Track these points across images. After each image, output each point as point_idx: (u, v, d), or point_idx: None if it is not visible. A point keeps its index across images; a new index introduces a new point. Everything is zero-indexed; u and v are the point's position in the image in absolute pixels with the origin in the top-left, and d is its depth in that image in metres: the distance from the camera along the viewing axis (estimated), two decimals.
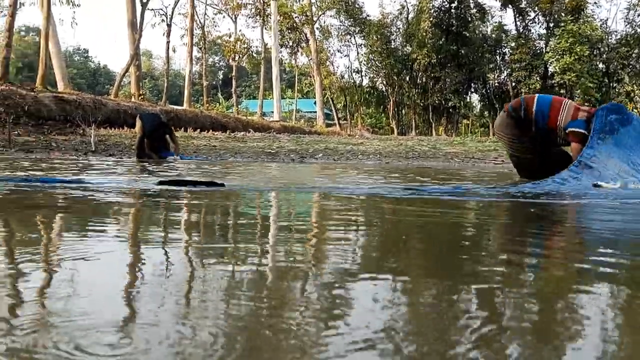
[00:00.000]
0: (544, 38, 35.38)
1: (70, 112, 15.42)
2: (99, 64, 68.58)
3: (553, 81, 32.91)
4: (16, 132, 12.36)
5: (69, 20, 42.55)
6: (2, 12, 48.90)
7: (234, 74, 38.26)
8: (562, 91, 32.28)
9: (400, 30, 39.04)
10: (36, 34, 46.99)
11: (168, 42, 31.11)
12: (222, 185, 3.88)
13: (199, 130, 17.31)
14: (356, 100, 42.28)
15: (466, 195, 3.67)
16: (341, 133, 28.15)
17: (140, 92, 25.15)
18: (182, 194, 3.47)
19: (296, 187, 4.38)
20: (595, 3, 34.29)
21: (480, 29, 36.86)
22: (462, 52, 35.53)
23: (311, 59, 37.79)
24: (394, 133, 36.44)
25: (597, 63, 33.09)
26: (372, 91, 41.87)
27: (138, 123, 9.42)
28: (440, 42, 35.58)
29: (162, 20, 31.70)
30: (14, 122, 12.54)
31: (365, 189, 4.09)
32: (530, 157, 5.46)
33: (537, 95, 5.60)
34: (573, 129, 5.00)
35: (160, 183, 3.94)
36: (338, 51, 42.46)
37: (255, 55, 42.42)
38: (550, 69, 33.90)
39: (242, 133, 18.26)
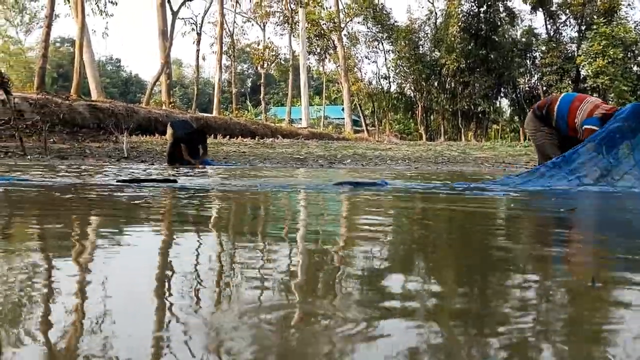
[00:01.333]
0: (575, 41, 34.82)
1: (104, 119, 15.78)
2: (131, 73, 69.97)
3: (586, 85, 32.33)
4: (52, 140, 12.68)
5: (102, 31, 43.59)
6: (38, 23, 50.44)
7: (262, 81, 38.61)
8: (595, 95, 31.67)
9: (429, 36, 38.90)
10: (71, 45, 48.17)
11: (198, 51, 31.63)
12: (175, 181, 4.38)
13: (228, 137, 17.51)
14: (384, 106, 42.19)
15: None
16: (369, 139, 28.11)
17: (171, 100, 25.57)
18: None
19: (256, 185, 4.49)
20: (629, 5, 33.61)
21: (509, 33, 36.47)
22: (492, 56, 35.19)
23: (339, 65, 37.90)
24: (422, 139, 36.24)
25: (632, 66, 32.40)
26: (400, 97, 41.76)
27: (169, 130, 9.57)
28: (469, 47, 35.31)
29: (192, 29, 32.27)
30: (50, 129, 12.88)
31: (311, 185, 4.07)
32: (553, 142, 5.43)
33: (563, 94, 5.58)
34: (587, 126, 4.95)
35: (120, 181, 4.35)
36: (366, 57, 42.56)
37: (283, 62, 42.73)
38: (583, 72, 33.32)
39: (270, 139, 18.40)
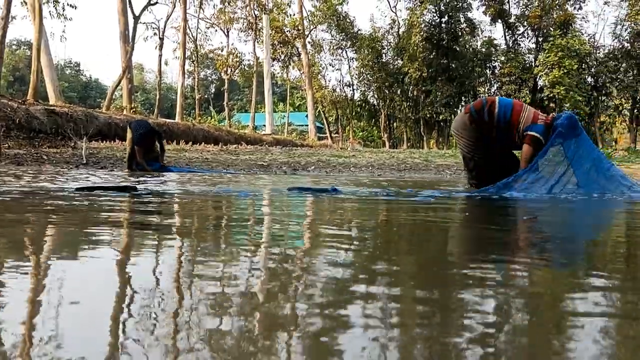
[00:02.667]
0: (533, 52, 35.82)
1: (62, 125, 15.37)
2: (91, 77, 68.52)
3: (543, 95, 33.25)
4: (7, 145, 12.29)
5: (60, 34, 42.53)
6: None
7: (226, 87, 38.38)
8: (551, 104, 32.61)
9: (392, 44, 39.40)
10: (28, 48, 46.93)
11: (160, 56, 31.23)
12: (135, 189, 4.25)
13: (191, 143, 17.30)
14: (348, 114, 42.49)
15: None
16: (333, 146, 28.22)
17: (132, 105, 25.15)
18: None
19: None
20: (583, 18, 34.86)
21: (470, 43, 37.26)
22: (453, 65, 35.87)
23: (303, 72, 38.01)
24: (385, 146, 36.63)
25: (586, 77, 33.53)
26: (363, 104, 42.12)
27: (128, 134, 9.36)
28: (431, 56, 35.93)
29: (155, 34, 31.86)
30: (5, 134, 12.49)
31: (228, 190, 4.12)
32: (482, 159, 5.56)
33: (497, 97, 5.75)
34: (532, 133, 5.11)
35: (78, 189, 4.18)
36: (330, 65, 42.80)
37: (247, 68, 42.61)
38: (540, 82, 34.27)
39: (234, 146, 18.27)
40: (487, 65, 37.27)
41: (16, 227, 2.38)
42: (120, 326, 0.98)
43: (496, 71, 36.72)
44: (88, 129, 15.51)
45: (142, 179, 6.57)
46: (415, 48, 35.36)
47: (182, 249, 1.85)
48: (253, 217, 2.97)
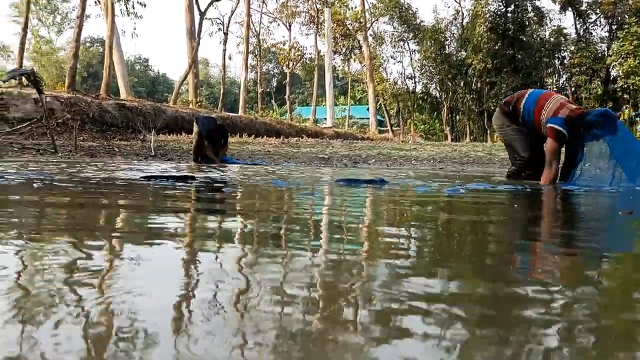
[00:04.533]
0: (605, 41, 34.24)
1: (132, 118, 16.05)
2: (159, 72, 70.92)
3: (616, 85, 31.75)
4: (81, 138, 12.96)
5: (130, 32, 44.30)
6: (69, 24, 51.46)
7: (287, 80, 38.81)
8: (625, 96, 31.08)
9: (455, 36, 38.66)
10: (100, 45, 48.98)
11: (224, 50, 31.92)
12: (193, 178, 4.61)
13: (253, 136, 17.65)
14: (409, 107, 42.02)
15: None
16: (394, 139, 28.01)
17: (198, 99, 25.87)
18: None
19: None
20: None
21: (538, 33, 36.03)
22: (519, 56, 34.81)
23: (364, 65, 37.88)
24: (447, 139, 36.00)
25: None
26: (425, 97, 41.56)
27: (195, 127, 9.67)
28: (496, 47, 34.99)
29: (219, 29, 32.64)
30: (80, 128, 13.16)
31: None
32: (520, 137, 5.42)
33: (530, 90, 5.56)
34: (551, 125, 4.93)
35: (144, 177, 4.62)
36: (391, 57, 42.49)
37: (308, 62, 42.87)
38: (613, 72, 32.73)
39: (295, 139, 18.49)
40: (556, 55, 35.95)
41: (92, 210, 2.54)
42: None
43: (565, 61, 35.37)
44: (156, 122, 16.11)
45: (204, 169, 6.79)
46: (480, 39, 34.54)
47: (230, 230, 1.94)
48: (287, 207, 3.03)
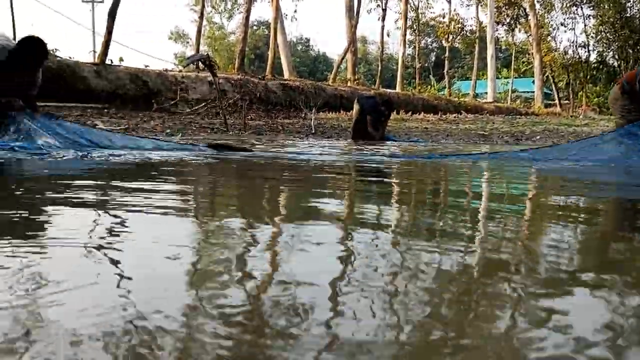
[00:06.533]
0: None
1: (294, 97, 16.85)
2: (319, 51, 72.92)
3: None
4: (249, 117, 13.90)
5: (291, 15, 46.00)
6: (239, 9, 54.90)
7: (446, 55, 37.73)
8: None
9: None
10: (266, 28, 51.52)
11: (382, 27, 31.83)
12: (251, 150, 5.15)
13: (410, 112, 17.55)
14: (581, 78, 38.56)
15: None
16: (562, 114, 26.03)
17: (356, 77, 26.25)
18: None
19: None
20: None
21: None
22: None
23: (530, 35, 35.40)
24: None
25: None
26: (600, 67, 37.81)
27: (356, 106, 9.87)
28: None
29: (378, 5, 32.57)
30: (248, 107, 14.12)
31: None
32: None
33: None
34: None
35: (209, 145, 5.15)
36: (561, 25, 39.06)
37: (469, 34, 41.17)
38: None
39: (453, 115, 18.05)
40: None
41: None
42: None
43: None
44: (316, 100, 16.71)
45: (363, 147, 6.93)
46: None
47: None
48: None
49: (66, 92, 11.71)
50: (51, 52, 13.15)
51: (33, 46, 4.10)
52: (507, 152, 5.09)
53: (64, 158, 3.98)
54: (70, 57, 13.24)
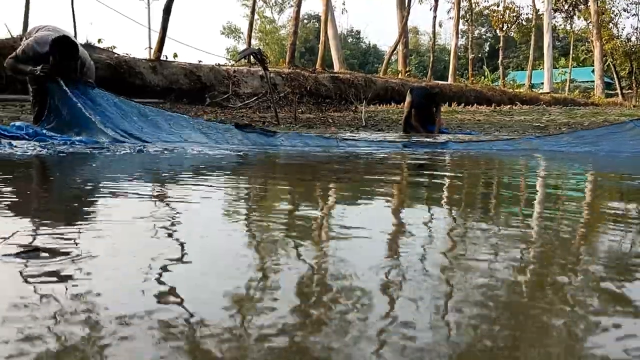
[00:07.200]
0: None
1: (344, 90, 16.82)
2: (369, 44, 72.38)
3: None
4: (300, 110, 13.98)
5: (341, 7, 45.92)
6: (289, 3, 55.18)
7: (501, 44, 36.77)
8: None
9: None
10: (316, 21, 51.61)
11: (434, 17, 31.28)
12: (274, 132, 5.37)
13: (463, 104, 17.24)
14: None
15: None
16: (624, 104, 24.94)
17: (407, 69, 25.98)
18: None
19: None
20: None
21: None
22: None
23: (590, 22, 34.04)
24: None
25: None
26: None
27: (407, 98, 9.75)
28: None
29: None
30: (298, 100, 14.20)
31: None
32: None
33: None
34: None
35: (236, 125, 5.42)
36: (624, 10, 37.44)
37: (524, 23, 39.98)
38: None
39: (508, 106, 17.62)
40: None
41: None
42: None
43: None
44: (367, 93, 16.65)
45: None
46: None
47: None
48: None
49: (123, 87, 12.09)
50: (109, 49, 13.63)
51: (66, 42, 5.17)
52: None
53: (122, 153, 4.11)
54: (127, 54, 13.68)
